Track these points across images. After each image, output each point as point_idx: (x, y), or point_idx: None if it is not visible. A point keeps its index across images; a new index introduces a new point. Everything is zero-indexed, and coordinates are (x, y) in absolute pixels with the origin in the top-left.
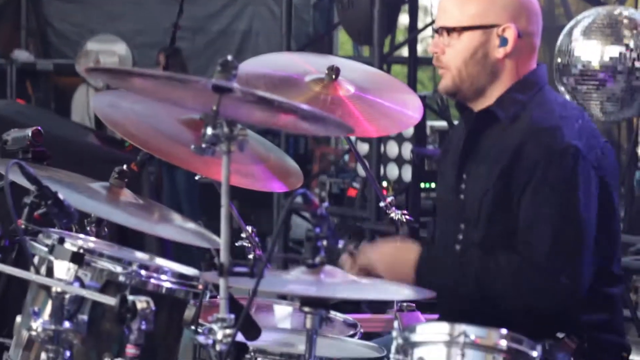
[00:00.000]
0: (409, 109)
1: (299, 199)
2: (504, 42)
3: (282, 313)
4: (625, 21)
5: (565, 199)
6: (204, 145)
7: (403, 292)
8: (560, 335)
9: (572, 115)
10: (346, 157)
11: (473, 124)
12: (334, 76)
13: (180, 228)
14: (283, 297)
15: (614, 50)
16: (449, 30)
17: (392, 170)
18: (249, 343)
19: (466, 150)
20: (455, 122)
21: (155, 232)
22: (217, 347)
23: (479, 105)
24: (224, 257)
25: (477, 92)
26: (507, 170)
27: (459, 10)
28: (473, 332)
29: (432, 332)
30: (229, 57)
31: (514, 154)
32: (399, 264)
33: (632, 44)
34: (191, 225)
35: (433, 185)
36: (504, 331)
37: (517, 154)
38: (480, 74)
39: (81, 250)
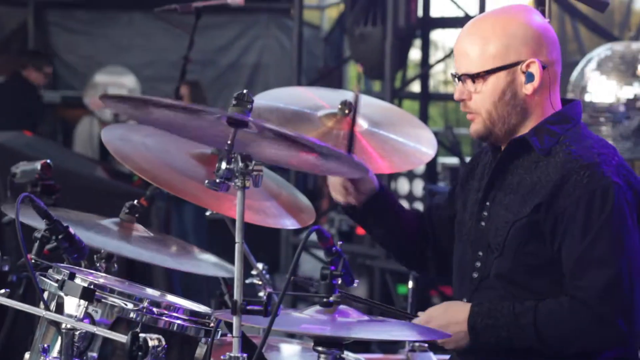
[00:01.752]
0: (423, 144)
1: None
2: (530, 77)
3: (291, 352)
4: None
5: (613, 239)
6: (217, 180)
7: (416, 333)
8: None
9: (610, 153)
10: None
11: (505, 151)
12: (347, 111)
13: (198, 260)
14: (291, 335)
15: (630, 87)
16: (474, 77)
17: None
18: None
19: (493, 179)
20: (467, 158)
21: (176, 266)
22: None
23: None
24: (237, 294)
25: (509, 131)
26: (546, 205)
27: (479, 54)
28: None
29: None
30: (245, 91)
31: (554, 189)
32: (452, 325)
33: None
34: (207, 256)
35: None
36: None
37: (557, 189)
38: (511, 113)
39: (92, 286)
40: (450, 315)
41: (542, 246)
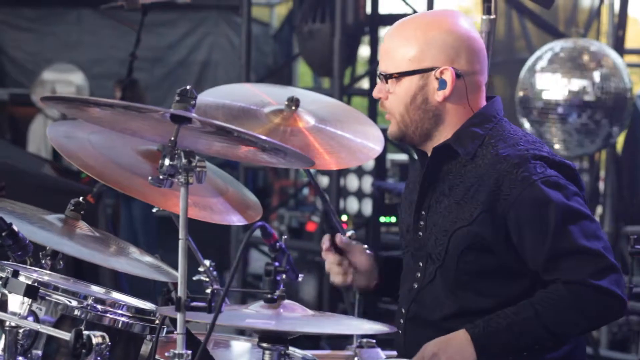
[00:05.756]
0: (369, 141)
1: (257, 232)
2: (442, 84)
3: (240, 349)
4: (588, 55)
5: (572, 225)
6: (161, 177)
7: (363, 327)
8: None
9: (536, 146)
10: (305, 191)
11: (430, 160)
12: (293, 107)
13: (136, 261)
14: (241, 332)
15: (578, 84)
16: (388, 77)
17: (352, 204)
18: None
19: (424, 188)
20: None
21: (110, 265)
22: None
23: (430, 148)
24: (181, 291)
25: (422, 136)
26: (488, 214)
27: (396, 56)
28: None
29: None
30: (188, 87)
31: (491, 195)
32: (457, 352)
33: (596, 78)
34: (148, 258)
35: (393, 219)
36: None
37: (494, 194)
38: (423, 118)
39: (35, 284)
40: (452, 344)
41: (481, 254)
